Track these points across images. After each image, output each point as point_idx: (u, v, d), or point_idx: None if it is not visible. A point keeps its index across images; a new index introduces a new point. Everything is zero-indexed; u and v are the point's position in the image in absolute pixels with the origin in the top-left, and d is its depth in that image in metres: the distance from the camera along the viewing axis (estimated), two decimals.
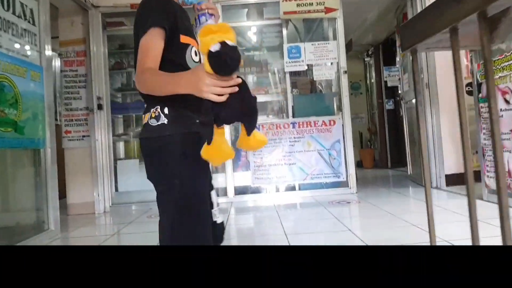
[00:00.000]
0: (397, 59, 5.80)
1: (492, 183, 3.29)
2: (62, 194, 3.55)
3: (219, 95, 0.98)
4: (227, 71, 0.97)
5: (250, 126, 1.06)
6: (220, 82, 0.97)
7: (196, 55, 1.20)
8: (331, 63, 4.30)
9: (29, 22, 2.90)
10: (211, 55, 0.94)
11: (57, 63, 4.83)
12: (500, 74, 3.07)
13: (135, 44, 1.15)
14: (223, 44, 0.94)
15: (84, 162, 3.97)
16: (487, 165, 3.33)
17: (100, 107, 4.00)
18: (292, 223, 3.05)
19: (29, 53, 2.89)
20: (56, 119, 4.04)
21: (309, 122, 4.30)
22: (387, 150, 7.44)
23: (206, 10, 1.23)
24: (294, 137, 4.29)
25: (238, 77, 1.00)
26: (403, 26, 1.26)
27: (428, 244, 0.94)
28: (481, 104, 3.36)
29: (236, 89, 0.99)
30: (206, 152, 1.02)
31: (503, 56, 3.02)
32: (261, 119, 4.75)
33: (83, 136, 3.98)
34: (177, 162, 1.12)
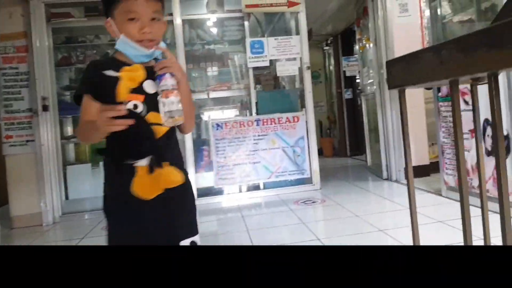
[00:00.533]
0: (356, 47, 5.79)
1: (450, 180, 3.37)
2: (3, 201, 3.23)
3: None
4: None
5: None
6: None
7: (135, 108, 1.16)
8: (294, 58, 4.19)
9: None
10: None
11: None
12: None
13: None
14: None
15: (28, 170, 3.62)
16: (446, 162, 3.40)
17: (45, 108, 3.65)
18: (257, 228, 2.96)
19: None
20: None
21: (273, 119, 4.19)
22: (345, 138, 7.53)
23: (163, 72, 1.14)
24: (258, 135, 4.17)
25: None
26: (392, 62, 1.15)
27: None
28: (440, 103, 3.40)
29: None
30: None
31: None
32: (225, 116, 4.58)
33: (27, 140, 3.63)
34: None
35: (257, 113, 4.21)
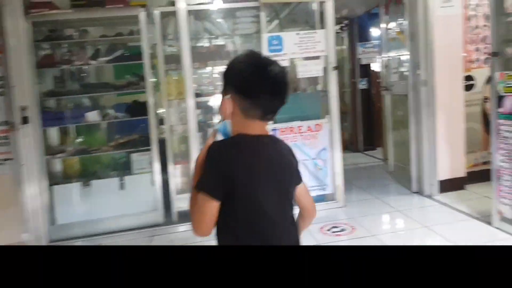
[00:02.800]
0: (378, 35, 5.11)
1: (507, 211, 2.86)
2: None
3: None
4: None
5: None
6: None
7: None
8: (318, 57, 3.57)
9: None
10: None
11: None
12: None
13: None
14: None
15: (7, 194, 3.04)
16: (502, 190, 2.88)
17: (25, 120, 3.05)
18: None
19: None
20: None
21: (292, 128, 3.62)
22: (357, 132, 6.99)
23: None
24: None
25: None
26: None
27: None
28: (500, 121, 2.84)
29: None
30: None
31: None
32: None
33: (5, 159, 3.04)
34: None
35: (274, 121, 3.62)
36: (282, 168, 1.20)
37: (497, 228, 2.94)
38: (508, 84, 2.73)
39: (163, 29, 3.50)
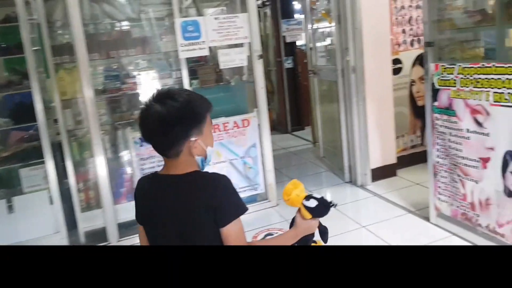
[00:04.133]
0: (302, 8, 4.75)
1: (444, 208, 2.76)
2: None
3: None
4: (324, 214, 1.29)
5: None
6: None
7: None
8: (242, 44, 3.14)
9: None
10: (311, 209, 1.27)
11: None
12: (471, 87, 2.36)
13: None
14: (314, 198, 1.28)
15: None
16: (439, 186, 2.76)
17: None
18: None
19: None
20: None
21: (217, 125, 3.20)
22: (285, 112, 6.77)
23: None
24: None
25: None
26: None
27: None
28: (435, 115, 2.68)
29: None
30: None
31: (480, 65, 2.29)
32: None
33: None
34: None
35: None
36: (179, 212, 1.16)
37: (435, 225, 2.84)
38: (443, 77, 2.55)
39: (49, 13, 2.80)
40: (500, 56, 2.33)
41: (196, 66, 3.29)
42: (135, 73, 3.17)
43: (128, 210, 3.05)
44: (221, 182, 1.17)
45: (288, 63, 6.45)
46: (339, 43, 3.58)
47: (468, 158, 2.47)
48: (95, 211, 3.00)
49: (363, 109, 3.61)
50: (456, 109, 2.49)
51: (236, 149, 3.32)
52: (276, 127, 6.85)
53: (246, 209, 1.19)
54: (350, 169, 3.89)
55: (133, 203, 1.29)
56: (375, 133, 3.73)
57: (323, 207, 1.27)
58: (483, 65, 2.27)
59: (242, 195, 3.36)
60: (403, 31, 3.89)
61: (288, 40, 6.27)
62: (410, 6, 3.87)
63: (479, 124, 2.36)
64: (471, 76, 2.36)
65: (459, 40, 2.64)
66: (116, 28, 3.15)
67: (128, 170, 3.12)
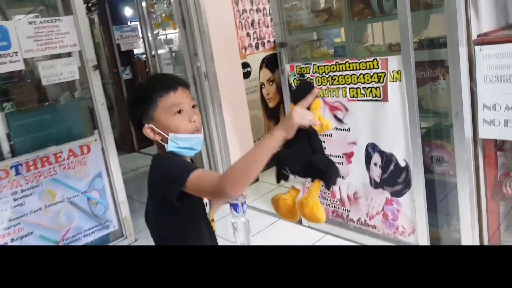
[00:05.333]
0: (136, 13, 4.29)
1: None
2: None
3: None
4: (306, 93, 1.14)
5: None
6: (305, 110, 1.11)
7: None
8: (69, 54, 2.53)
9: None
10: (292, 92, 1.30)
11: None
12: (328, 85, 2.34)
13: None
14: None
15: None
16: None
17: None
18: None
19: None
20: None
21: (46, 157, 2.51)
22: (130, 128, 6.14)
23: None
24: (22, 190, 2.44)
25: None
26: None
27: None
28: None
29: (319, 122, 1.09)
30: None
31: (334, 62, 2.28)
32: None
33: None
34: None
35: (13, 154, 2.42)
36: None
37: (308, 227, 2.79)
38: (300, 77, 2.49)
39: None
40: (350, 52, 2.36)
41: (8, 84, 2.53)
42: None
43: None
44: (158, 161, 1.19)
45: (126, 74, 5.85)
46: (187, 48, 3.26)
47: (332, 155, 2.46)
48: None
49: (220, 116, 3.39)
50: None
51: (76, 183, 2.67)
52: (120, 146, 6.15)
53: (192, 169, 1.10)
54: None
55: None
56: (234, 139, 3.57)
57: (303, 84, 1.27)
58: (337, 62, 2.26)
59: (89, 238, 2.77)
60: (248, 35, 3.82)
61: (124, 48, 5.69)
62: (251, 9, 3.81)
63: (339, 120, 2.36)
64: (326, 74, 2.34)
65: (309, 39, 2.63)
66: None
67: None
